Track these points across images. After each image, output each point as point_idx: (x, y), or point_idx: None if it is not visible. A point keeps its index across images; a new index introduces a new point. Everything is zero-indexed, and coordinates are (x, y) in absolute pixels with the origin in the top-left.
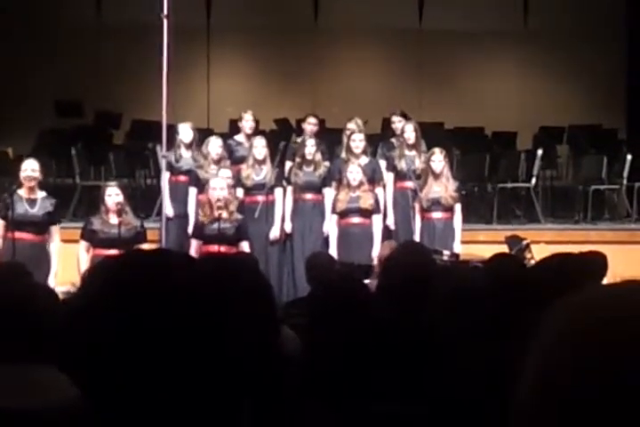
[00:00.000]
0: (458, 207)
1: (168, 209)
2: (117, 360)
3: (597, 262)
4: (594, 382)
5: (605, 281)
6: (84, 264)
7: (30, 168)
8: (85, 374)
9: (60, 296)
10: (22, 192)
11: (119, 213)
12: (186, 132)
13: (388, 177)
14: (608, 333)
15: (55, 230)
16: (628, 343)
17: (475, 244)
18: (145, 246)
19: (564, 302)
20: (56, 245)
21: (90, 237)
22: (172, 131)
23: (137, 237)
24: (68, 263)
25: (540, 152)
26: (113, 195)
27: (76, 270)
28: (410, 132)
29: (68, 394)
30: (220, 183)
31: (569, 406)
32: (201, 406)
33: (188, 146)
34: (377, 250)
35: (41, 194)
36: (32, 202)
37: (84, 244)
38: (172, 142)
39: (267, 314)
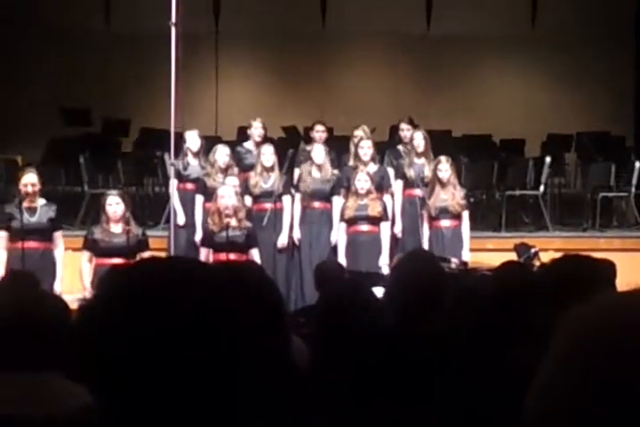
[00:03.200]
0: (465, 215)
1: (179, 217)
2: (129, 369)
3: (607, 270)
4: (606, 393)
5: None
6: (87, 274)
7: (30, 183)
8: (97, 382)
9: (71, 304)
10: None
11: (120, 221)
12: (193, 139)
13: (397, 185)
14: (620, 342)
15: (58, 236)
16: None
17: (483, 252)
18: (147, 254)
19: (575, 312)
20: (60, 252)
21: (91, 246)
22: (181, 139)
23: (138, 245)
24: (77, 271)
25: (548, 159)
26: (113, 204)
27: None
28: (419, 140)
29: (78, 402)
30: (228, 191)
31: (580, 416)
32: (211, 415)
33: (196, 154)
34: (385, 257)
35: (40, 202)
36: (32, 211)
37: (86, 254)
38: (181, 150)
39: (278, 323)
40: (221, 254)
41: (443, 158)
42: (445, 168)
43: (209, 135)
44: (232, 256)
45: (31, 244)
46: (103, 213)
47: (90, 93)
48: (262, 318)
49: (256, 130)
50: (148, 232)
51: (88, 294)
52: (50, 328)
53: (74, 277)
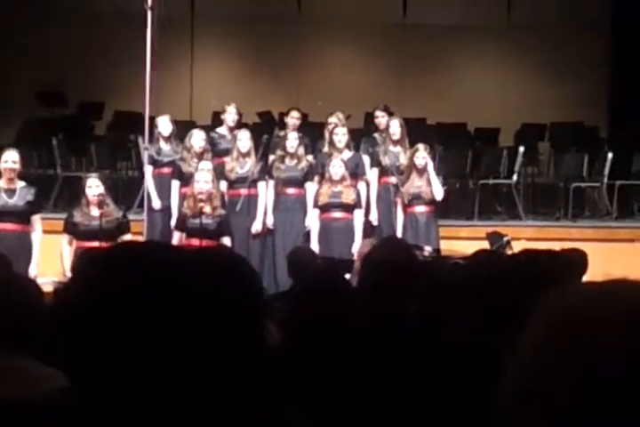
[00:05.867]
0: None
1: (155, 201)
2: (103, 352)
3: (578, 260)
4: (576, 385)
5: (585, 278)
6: (67, 257)
7: (11, 159)
8: (71, 365)
9: (45, 287)
10: (1, 183)
11: (100, 204)
12: (164, 124)
13: (373, 173)
14: (591, 334)
15: (36, 220)
16: (611, 345)
17: (456, 240)
18: (128, 237)
19: (545, 303)
20: (38, 235)
21: (72, 229)
22: (155, 123)
23: (119, 228)
24: (49, 254)
25: (521, 149)
26: (93, 186)
27: (58, 261)
28: (395, 128)
29: (51, 385)
30: (204, 177)
31: (552, 405)
32: (187, 399)
33: (167, 139)
34: (358, 245)
35: (20, 184)
36: (11, 192)
37: (66, 236)
38: (153, 135)
39: (254, 309)
40: (193, 240)
41: (421, 146)
42: (423, 156)
43: (184, 120)
44: (204, 243)
45: (7, 226)
46: (83, 196)
47: (64, 76)
48: (239, 304)
49: (230, 115)
50: None
51: (67, 277)
52: (21, 310)
53: (48, 260)
